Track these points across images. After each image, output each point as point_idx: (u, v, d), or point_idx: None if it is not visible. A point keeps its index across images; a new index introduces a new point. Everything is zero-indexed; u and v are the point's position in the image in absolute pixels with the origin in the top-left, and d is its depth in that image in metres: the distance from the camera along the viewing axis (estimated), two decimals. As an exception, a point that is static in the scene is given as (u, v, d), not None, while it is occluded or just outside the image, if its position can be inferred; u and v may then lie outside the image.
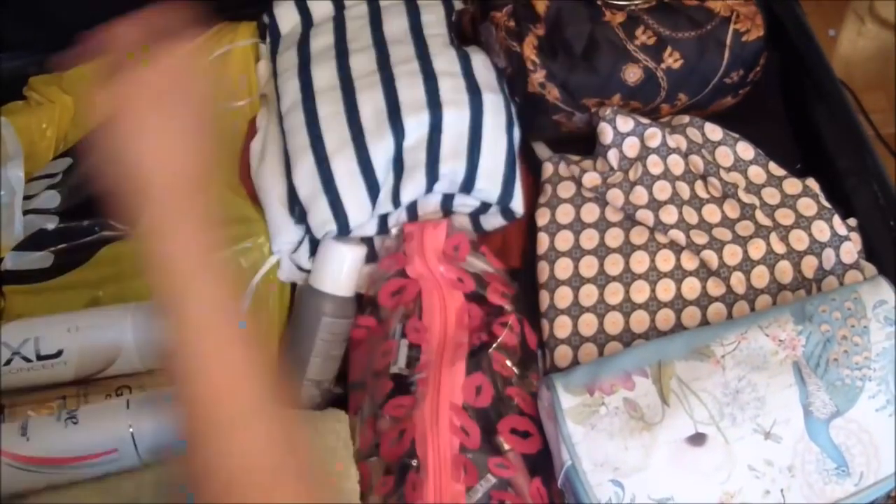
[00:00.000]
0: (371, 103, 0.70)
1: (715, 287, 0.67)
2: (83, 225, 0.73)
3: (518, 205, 0.71)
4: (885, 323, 0.58)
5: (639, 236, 0.69)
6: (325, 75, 0.73)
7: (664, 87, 0.72)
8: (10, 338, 0.64)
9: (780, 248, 0.67)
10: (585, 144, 0.75)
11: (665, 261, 0.68)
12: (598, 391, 0.57)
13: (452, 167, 0.69)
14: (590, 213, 0.71)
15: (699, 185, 0.71)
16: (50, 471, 0.59)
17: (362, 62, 0.73)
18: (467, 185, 0.70)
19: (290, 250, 0.72)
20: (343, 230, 0.70)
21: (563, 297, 0.68)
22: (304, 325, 0.68)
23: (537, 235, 0.71)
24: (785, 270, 0.67)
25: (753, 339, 0.58)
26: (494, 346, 0.62)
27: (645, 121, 0.72)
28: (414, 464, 0.57)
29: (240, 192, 0.74)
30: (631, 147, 0.72)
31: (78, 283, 0.70)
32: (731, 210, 0.70)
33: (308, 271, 0.71)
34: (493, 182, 0.70)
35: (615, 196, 0.71)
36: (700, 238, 0.68)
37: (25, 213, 0.73)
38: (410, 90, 0.70)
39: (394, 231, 0.71)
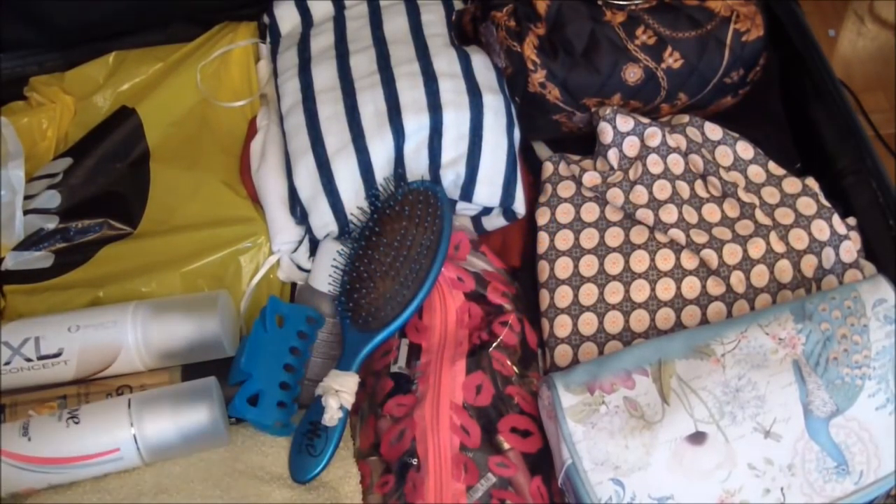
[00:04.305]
0: (372, 104, 0.70)
1: (715, 286, 0.67)
2: (83, 225, 0.73)
3: (520, 206, 0.72)
4: (885, 321, 0.58)
5: (639, 235, 0.69)
6: (325, 76, 0.73)
7: (664, 87, 0.72)
8: (10, 337, 0.64)
9: (779, 247, 0.67)
10: (585, 144, 0.75)
11: (665, 260, 0.68)
12: (599, 390, 0.57)
13: (454, 171, 0.69)
14: (590, 212, 0.71)
15: (699, 184, 0.71)
16: (51, 471, 0.59)
17: (362, 62, 0.73)
18: (467, 193, 0.70)
19: (290, 250, 0.72)
20: (343, 231, 0.70)
21: (564, 296, 0.68)
22: (304, 324, 0.68)
23: (537, 235, 0.71)
24: (785, 269, 0.67)
25: (753, 337, 0.58)
26: (495, 345, 0.62)
27: (645, 120, 0.72)
28: (414, 463, 0.57)
29: (240, 192, 0.74)
30: (631, 146, 0.72)
31: (78, 283, 0.70)
32: (731, 209, 0.70)
33: (308, 271, 0.71)
34: (494, 187, 0.70)
35: (615, 195, 0.71)
36: (700, 237, 0.68)
37: (25, 213, 0.73)
38: (411, 91, 0.70)
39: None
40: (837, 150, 0.73)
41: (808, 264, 0.67)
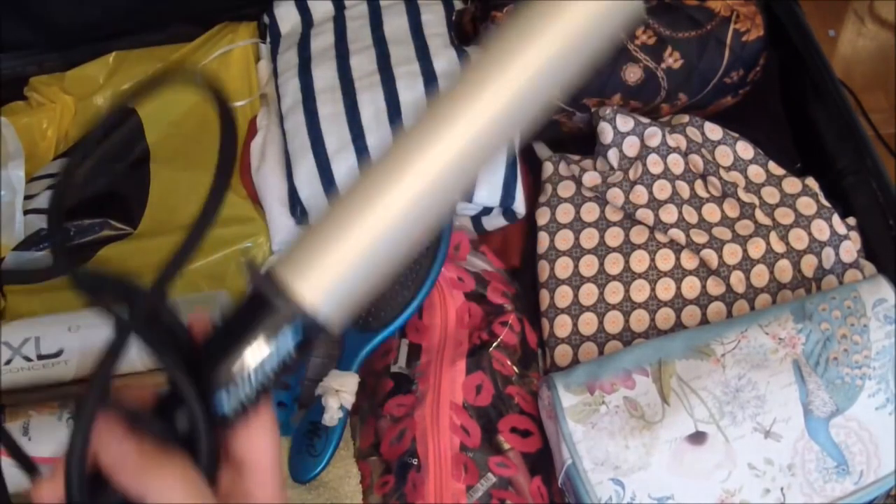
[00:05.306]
0: (372, 104, 0.70)
1: (715, 286, 0.67)
2: (83, 225, 0.73)
3: (520, 206, 0.71)
4: (885, 321, 0.58)
5: (639, 235, 0.69)
6: (325, 76, 0.73)
7: (664, 87, 0.72)
8: (10, 337, 0.64)
9: (779, 247, 0.67)
10: (585, 144, 0.75)
11: (665, 260, 0.68)
12: (599, 390, 0.57)
13: None
14: (590, 212, 0.71)
15: (699, 184, 0.71)
16: (51, 470, 0.59)
17: (363, 62, 0.73)
18: (467, 193, 0.70)
19: (290, 250, 0.72)
20: (343, 230, 0.69)
21: (564, 296, 0.68)
22: (304, 324, 0.68)
23: (537, 235, 0.71)
24: (784, 269, 0.67)
25: (753, 337, 0.58)
26: (495, 345, 0.62)
27: (645, 120, 0.72)
28: (414, 463, 0.57)
29: (240, 192, 0.74)
30: (631, 146, 0.72)
31: (78, 282, 0.70)
32: (731, 209, 0.70)
33: (308, 271, 0.71)
34: (494, 187, 0.70)
35: (615, 195, 0.71)
36: (700, 237, 0.68)
37: (25, 213, 0.73)
38: (411, 91, 0.70)
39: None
40: (837, 150, 0.73)
41: (808, 264, 0.67)
